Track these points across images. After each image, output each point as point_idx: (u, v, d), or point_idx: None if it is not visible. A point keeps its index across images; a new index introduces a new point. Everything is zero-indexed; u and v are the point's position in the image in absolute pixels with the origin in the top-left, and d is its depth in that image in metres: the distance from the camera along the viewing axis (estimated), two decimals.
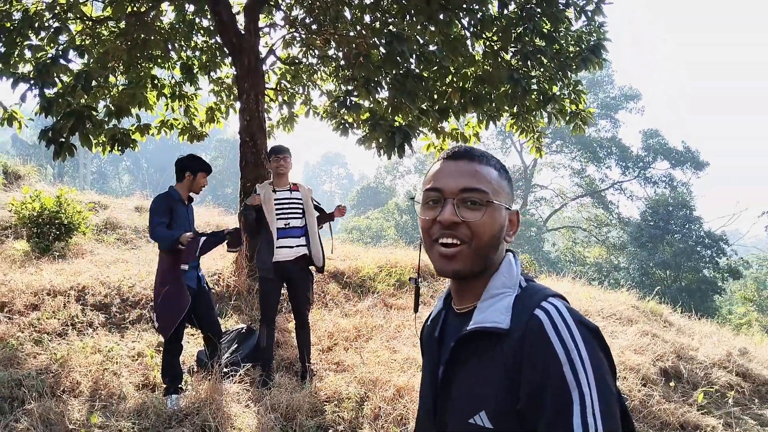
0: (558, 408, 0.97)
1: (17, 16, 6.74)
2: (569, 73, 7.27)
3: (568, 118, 7.78)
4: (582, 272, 26.34)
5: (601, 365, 1.02)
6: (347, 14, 8.06)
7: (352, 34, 8.01)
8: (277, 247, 4.82)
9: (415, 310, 1.49)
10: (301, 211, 4.92)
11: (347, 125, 7.81)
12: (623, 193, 36.47)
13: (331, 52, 8.72)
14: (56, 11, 6.77)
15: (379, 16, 7.49)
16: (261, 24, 8.09)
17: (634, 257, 30.27)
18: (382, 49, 6.78)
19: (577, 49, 7.16)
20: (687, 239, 28.25)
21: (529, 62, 6.64)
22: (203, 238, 4.42)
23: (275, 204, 4.87)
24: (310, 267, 4.99)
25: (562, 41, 7.08)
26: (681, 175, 34.52)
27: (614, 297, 8.71)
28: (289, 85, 9.40)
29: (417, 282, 1.52)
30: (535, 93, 7.27)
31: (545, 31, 6.69)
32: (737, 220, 38.37)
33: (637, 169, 35.38)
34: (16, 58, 6.79)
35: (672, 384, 5.54)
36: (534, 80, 7.28)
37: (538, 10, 6.60)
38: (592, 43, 7.10)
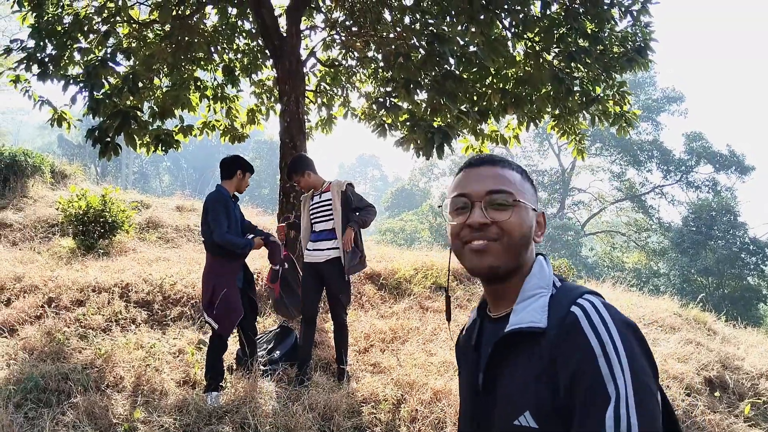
0: (591, 400, 0.97)
1: (68, 20, 6.94)
2: (613, 74, 7.12)
3: (612, 120, 7.62)
4: (621, 278, 25.79)
5: (638, 360, 1.01)
6: (387, 16, 8.07)
7: (392, 35, 8.01)
8: (309, 249, 4.91)
9: (448, 319, 1.50)
10: (329, 214, 4.92)
11: (386, 126, 7.80)
12: (664, 198, 35.64)
13: (370, 53, 8.74)
14: (105, 15, 6.97)
15: (419, 17, 7.47)
16: (302, 27, 8.16)
17: (675, 263, 29.53)
18: (422, 50, 6.75)
19: (622, 49, 7.01)
20: (731, 246, 27.43)
21: (572, 63, 6.54)
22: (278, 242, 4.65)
23: (311, 209, 4.98)
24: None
25: (607, 42, 6.94)
26: (725, 180, 33.57)
27: (656, 304, 8.49)
28: (328, 87, 9.45)
29: (447, 291, 1.58)
30: (578, 94, 7.14)
31: (589, 31, 6.57)
32: None
33: (680, 173, 34.51)
34: (66, 61, 7.00)
35: (717, 394, 5.36)
36: (577, 81, 7.16)
37: (582, 9, 6.49)
38: (638, 43, 6.95)
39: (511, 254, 1.16)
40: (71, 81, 6.50)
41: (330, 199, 4.93)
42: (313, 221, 4.98)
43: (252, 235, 4.71)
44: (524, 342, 1.10)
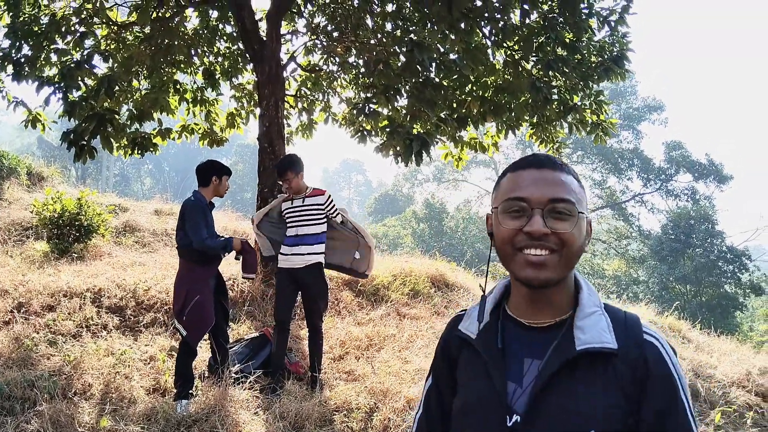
0: (681, 427, 1.07)
1: (45, 20, 6.85)
2: (591, 84, 7.19)
3: (589, 128, 7.69)
4: (601, 285, 26.03)
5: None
6: (369, 22, 8.07)
7: (372, 41, 8.01)
8: (285, 254, 4.86)
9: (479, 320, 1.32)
10: (314, 218, 4.90)
11: (365, 132, 7.80)
12: (644, 206, 36.02)
13: (351, 59, 8.74)
14: (83, 16, 6.88)
15: (400, 24, 7.49)
16: (283, 31, 8.14)
17: (654, 271, 29.84)
18: (402, 57, 6.76)
19: (600, 59, 7.08)
20: (708, 254, 27.80)
21: (550, 72, 6.59)
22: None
23: (289, 212, 4.92)
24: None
25: (585, 51, 7.01)
26: (704, 189, 34.02)
27: (632, 311, 8.55)
28: (309, 92, 9.43)
29: (484, 294, 1.33)
30: (556, 103, 7.20)
31: (567, 40, 6.63)
32: (761, 235, 37.58)
33: (659, 182, 34.93)
34: (42, 62, 6.91)
35: None
36: (555, 90, 7.21)
37: (561, 19, 6.55)
38: (615, 53, 7.02)
39: (568, 266, 1.13)
40: (46, 82, 6.40)
41: (317, 205, 4.90)
42: (292, 224, 4.92)
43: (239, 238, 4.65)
44: (589, 361, 1.10)
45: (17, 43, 6.63)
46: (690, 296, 27.58)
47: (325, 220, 4.96)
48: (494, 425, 1.14)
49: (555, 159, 1.17)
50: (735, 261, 27.70)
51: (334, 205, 5.01)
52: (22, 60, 6.64)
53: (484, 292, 1.32)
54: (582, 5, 6.53)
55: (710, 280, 27.27)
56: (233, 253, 4.64)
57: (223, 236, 4.58)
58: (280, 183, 5.02)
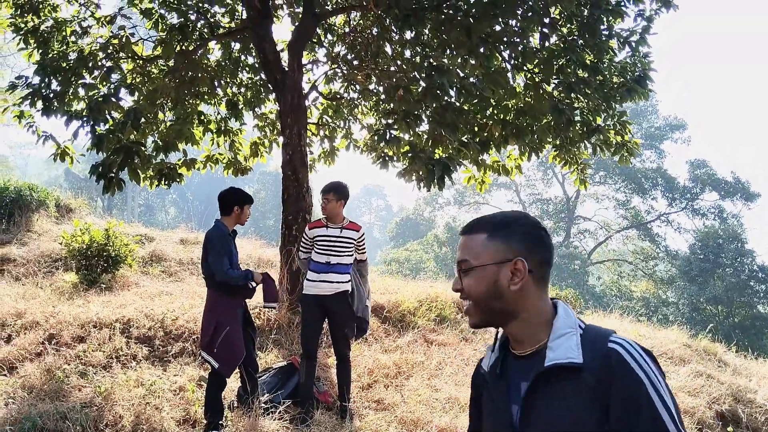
0: (653, 422, 1.18)
1: (72, 56, 7.05)
2: (614, 104, 7.15)
3: (613, 149, 7.63)
4: (629, 307, 25.54)
5: (666, 382, 1.25)
6: (388, 49, 8.16)
7: (392, 68, 8.09)
8: (313, 281, 4.85)
9: (492, 351, 1.56)
10: (347, 250, 4.91)
11: (387, 158, 7.83)
12: (670, 225, 35.44)
13: (371, 86, 8.82)
14: (109, 51, 7.06)
15: (419, 50, 7.55)
16: (304, 61, 8.25)
17: (684, 292, 29.25)
18: (422, 83, 6.80)
19: (622, 79, 7.05)
20: (739, 273, 27.19)
21: (572, 93, 6.56)
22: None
23: (322, 239, 4.92)
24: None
25: (606, 72, 6.99)
26: (731, 207, 33.42)
27: (664, 334, 8.38)
28: (330, 120, 9.52)
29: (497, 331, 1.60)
30: (578, 124, 7.16)
31: (588, 62, 6.62)
32: None
33: (685, 201, 34.42)
34: (71, 96, 7.08)
35: (730, 429, 5.24)
36: (577, 111, 7.18)
37: (581, 41, 6.55)
38: (636, 73, 6.99)
39: (481, 310, 1.38)
40: (74, 116, 6.55)
41: (350, 239, 4.93)
42: (323, 252, 4.92)
43: (260, 272, 4.67)
44: (561, 376, 1.26)
45: (46, 79, 6.81)
46: (722, 317, 26.92)
47: (353, 253, 4.98)
48: None
49: (472, 223, 1.45)
50: (767, 281, 27.03)
51: (364, 242, 5.05)
52: (51, 95, 6.81)
53: (497, 329, 1.55)
54: (602, 27, 6.53)
55: (742, 300, 26.63)
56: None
57: (245, 268, 4.60)
58: (322, 198, 5.01)
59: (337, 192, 4.95)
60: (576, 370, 1.25)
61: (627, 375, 1.21)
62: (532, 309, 1.36)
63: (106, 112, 6.50)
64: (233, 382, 5.05)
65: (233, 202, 4.65)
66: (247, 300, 4.66)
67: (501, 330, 1.47)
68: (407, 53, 7.99)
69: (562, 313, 1.36)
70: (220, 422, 4.31)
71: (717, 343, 8.25)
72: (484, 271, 1.36)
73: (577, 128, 7.13)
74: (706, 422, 5.18)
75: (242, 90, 9.01)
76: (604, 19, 6.53)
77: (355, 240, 4.94)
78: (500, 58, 7.04)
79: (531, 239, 1.39)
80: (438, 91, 6.32)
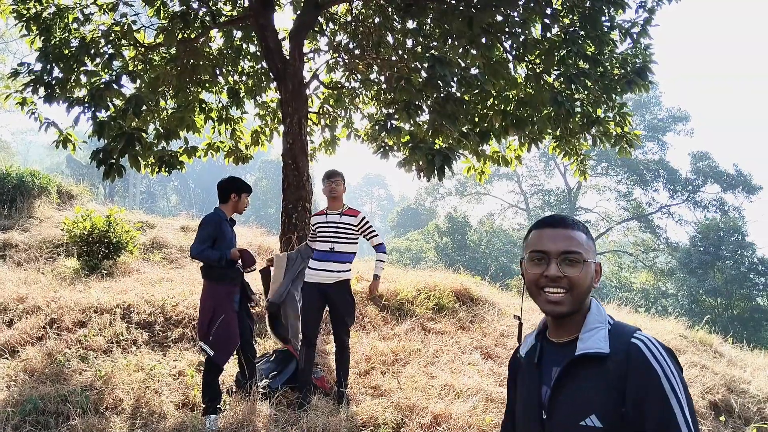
0: (661, 408, 1.33)
1: (75, 43, 7.06)
2: (614, 96, 7.15)
3: (613, 141, 7.64)
4: (628, 298, 25.61)
5: (681, 375, 1.40)
6: (390, 39, 8.16)
7: (394, 58, 8.09)
8: (315, 269, 4.89)
9: (519, 341, 1.77)
10: (348, 236, 4.95)
11: (388, 148, 7.85)
12: (671, 217, 35.48)
13: (373, 76, 8.83)
14: (111, 38, 7.07)
15: (421, 40, 7.55)
16: (306, 49, 8.26)
17: (683, 284, 29.32)
18: (423, 73, 6.81)
19: (622, 71, 7.05)
20: (739, 265, 27.22)
21: (572, 85, 6.57)
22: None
23: (322, 227, 4.94)
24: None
25: (607, 64, 6.99)
26: (732, 199, 33.40)
27: (661, 325, 8.44)
28: (331, 109, 9.53)
29: (520, 319, 1.88)
30: (578, 115, 7.17)
31: (589, 53, 6.62)
32: None
33: (686, 193, 34.40)
34: (72, 83, 7.10)
35: (722, 419, 5.30)
36: (578, 103, 7.19)
37: (582, 32, 6.54)
38: (637, 65, 6.99)
39: (577, 302, 1.50)
40: (75, 103, 6.57)
41: (350, 224, 4.96)
42: (324, 239, 4.96)
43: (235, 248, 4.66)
44: (589, 363, 1.44)
45: (48, 66, 6.83)
46: (721, 309, 26.99)
47: (357, 241, 5.00)
48: (534, 418, 1.54)
49: (568, 219, 1.57)
50: (767, 273, 27.07)
51: (370, 226, 5.04)
52: (53, 82, 6.83)
53: (520, 319, 1.87)
54: (603, 18, 6.53)
55: (741, 292, 26.69)
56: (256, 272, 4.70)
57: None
58: (330, 183, 5.03)
59: (342, 176, 5.07)
60: (602, 360, 1.43)
61: (644, 367, 1.37)
62: (587, 305, 1.54)
63: (108, 99, 6.52)
64: (232, 367, 5.12)
65: (230, 189, 4.71)
66: (246, 280, 4.69)
67: (540, 323, 1.67)
68: (409, 43, 7.99)
69: (595, 309, 1.54)
70: (218, 406, 4.38)
71: (714, 335, 8.31)
72: (589, 267, 1.52)
73: (576, 119, 7.14)
74: (700, 412, 5.24)
75: (243, 78, 9.02)
76: (606, 10, 6.53)
77: (354, 226, 4.96)
78: (501, 49, 7.05)
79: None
80: (439, 82, 6.33)
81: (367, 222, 5.05)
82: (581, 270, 1.49)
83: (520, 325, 1.89)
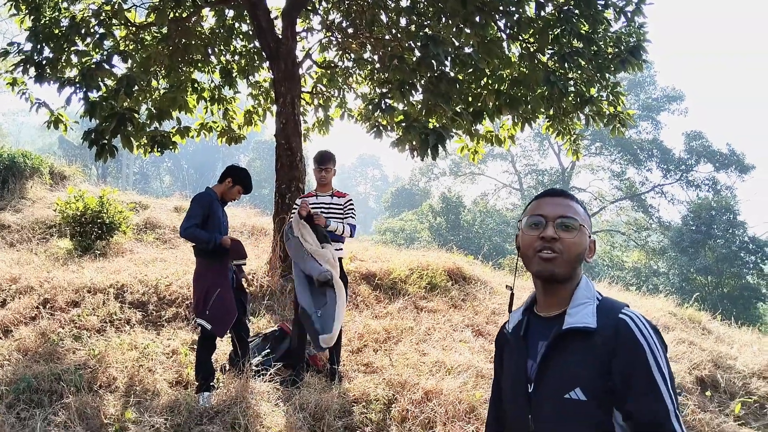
0: (646, 383, 1.36)
1: (65, 23, 6.97)
2: (607, 75, 7.14)
3: (606, 120, 7.64)
4: (620, 277, 25.82)
5: (666, 352, 1.44)
6: (383, 18, 8.09)
7: (387, 37, 8.03)
8: None
9: (509, 311, 1.79)
10: (340, 216, 5.01)
11: (381, 127, 7.83)
12: (664, 197, 35.62)
13: (366, 55, 8.77)
14: (102, 18, 6.98)
15: (414, 19, 7.50)
16: (298, 28, 8.19)
17: (675, 262, 29.55)
18: (417, 52, 6.78)
19: (616, 50, 7.03)
20: (730, 245, 27.45)
21: (566, 64, 6.55)
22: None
23: (314, 207, 4.97)
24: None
25: (601, 43, 6.96)
26: (725, 179, 33.54)
27: (651, 303, 8.53)
28: (324, 89, 9.48)
29: (512, 290, 1.87)
30: (572, 95, 7.16)
31: (583, 32, 6.59)
32: None
33: (679, 172, 34.51)
34: (63, 63, 7.03)
35: (708, 394, 5.40)
36: (571, 82, 7.17)
37: (576, 11, 6.51)
38: (631, 44, 6.97)
39: (568, 266, 1.53)
40: (66, 83, 6.52)
41: (339, 205, 5.03)
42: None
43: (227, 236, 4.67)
44: (576, 337, 1.47)
45: (38, 46, 6.75)
46: (711, 288, 27.27)
47: (344, 222, 5.05)
48: (520, 392, 1.56)
49: (567, 191, 1.64)
50: (757, 252, 27.34)
51: (353, 208, 5.15)
52: (44, 62, 6.76)
53: (512, 290, 1.85)
54: None
55: (732, 271, 26.95)
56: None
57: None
58: (319, 171, 5.04)
59: (334, 162, 5.12)
60: (589, 334, 1.46)
61: (630, 341, 1.40)
62: (576, 279, 1.57)
63: (99, 79, 6.46)
64: (225, 346, 5.16)
65: (230, 174, 4.74)
66: (238, 264, 4.72)
67: (528, 298, 1.70)
68: (402, 22, 7.93)
69: (584, 284, 1.57)
70: (212, 384, 4.43)
71: (702, 312, 8.41)
72: (584, 235, 1.56)
73: (570, 99, 7.13)
74: (686, 387, 5.33)
75: (236, 58, 8.95)
76: None
77: (342, 207, 5.03)
78: (495, 28, 7.01)
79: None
80: (433, 61, 6.30)
81: (352, 204, 5.16)
82: (575, 236, 1.53)
83: (512, 295, 1.91)
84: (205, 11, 8.34)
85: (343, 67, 9.17)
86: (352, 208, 5.13)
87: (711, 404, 5.19)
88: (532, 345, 1.58)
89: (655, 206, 35.69)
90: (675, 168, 34.50)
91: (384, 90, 6.86)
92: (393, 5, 7.87)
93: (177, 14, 7.57)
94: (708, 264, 26.95)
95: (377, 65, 8.57)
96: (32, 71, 6.73)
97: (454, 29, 6.63)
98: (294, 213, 4.94)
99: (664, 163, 34.86)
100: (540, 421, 1.51)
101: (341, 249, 5.03)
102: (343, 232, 4.99)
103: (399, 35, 7.77)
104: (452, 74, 6.78)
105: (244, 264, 4.77)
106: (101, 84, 6.65)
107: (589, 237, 1.58)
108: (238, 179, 4.73)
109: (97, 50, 6.89)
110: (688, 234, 28.50)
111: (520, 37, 6.99)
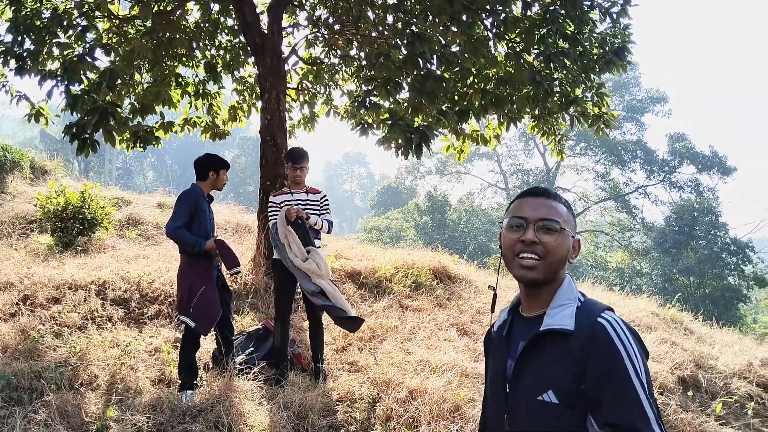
0: (623, 388, 1.33)
1: (47, 14, 6.86)
2: (592, 76, 7.19)
3: (590, 121, 7.69)
4: (603, 277, 26.05)
5: (645, 359, 1.41)
6: (370, 14, 8.06)
7: (374, 34, 8.01)
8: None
9: (492, 311, 1.91)
10: (317, 212, 4.97)
11: (366, 125, 7.81)
12: (647, 198, 36.00)
13: (352, 52, 8.74)
14: (84, 10, 6.88)
15: (401, 16, 7.48)
16: (284, 24, 8.14)
17: (657, 263, 29.85)
18: (403, 50, 6.76)
19: (601, 51, 7.08)
20: (712, 246, 27.78)
21: (551, 64, 6.58)
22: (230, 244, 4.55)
23: (290, 205, 4.92)
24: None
25: (586, 43, 7.01)
26: (707, 180, 33.96)
27: (634, 303, 8.60)
28: (310, 85, 9.44)
29: (495, 290, 1.90)
30: (557, 95, 7.19)
31: (569, 32, 6.63)
32: (765, 227, 37.58)
33: (663, 174, 34.87)
34: (45, 56, 6.92)
35: (690, 393, 5.45)
36: (556, 82, 7.21)
37: (562, 11, 6.54)
38: (616, 45, 7.02)
39: (550, 271, 1.50)
40: (48, 76, 6.42)
41: (315, 201, 4.97)
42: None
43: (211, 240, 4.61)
44: (553, 339, 1.45)
45: (19, 38, 6.64)
46: (693, 288, 27.59)
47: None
48: (499, 392, 1.56)
49: (550, 191, 1.59)
50: (738, 253, 27.69)
51: (328, 203, 5.11)
52: (25, 54, 6.65)
53: (494, 290, 1.89)
54: None
55: (714, 272, 27.27)
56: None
57: (220, 237, 4.60)
58: (294, 170, 4.96)
59: (308, 159, 5.03)
60: (566, 336, 1.43)
61: (607, 346, 1.37)
62: (559, 280, 1.54)
63: (81, 72, 6.37)
64: (209, 344, 5.12)
65: (208, 167, 4.67)
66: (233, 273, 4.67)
67: (514, 298, 1.68)
68: (389, 19, 7.91)
69: (566, 285, 1.54)
70: (195, 382, 4.39)
71: (684, 313, 8.50)
72: (566, 238, 1.52)
73: (555, 99, 7.16)
74: (668, 387, 5.38)
75: (221, 52, 8.87)
76: None
77: (317, 203, 4.99)
78: (482, 27, 7.02)
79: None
80: (419, 59, 6.29)
81: (328, 200, 5.12)
82: (557, 238, 1.49)
83: (495, 296, 1.92)
84: (190, 5, 8.25)
85: (329, 63, 9.13)
86: (328, 204, 5.09)
87: (692, 404, 5.24)
88: (513, 345, 1.57)
89: (638, 207, 36.08)
90: (658, 169, 34.86)
91: (370, 87, 6.83)
92: (380, 2, 7.84)
93: (161, 7, 7.49)
94: (690, 265, 27.26)
95: (363, 62, 8.54)
96: (13, 63, 6.62)
97: (441, 27, 6.63)
98: (276, 216, 4.86)
99: (648, 165, 35.21)
100: (516, 421, 1.50)
101: (319, 247, 4.97)
102: (322, 226, 4.97)
103: (385, 32, 7.75)
104: (438, 73, 6.78)
105: (238, 273, 4.73)
106: (83, 77, 6.56)
107: (573, 236, 1.55)
108: (216, 166, 4.69)
109: (79, 43, 6.80)
110: (671, 235, 28.81)
111: (507, 37, 7.00)
